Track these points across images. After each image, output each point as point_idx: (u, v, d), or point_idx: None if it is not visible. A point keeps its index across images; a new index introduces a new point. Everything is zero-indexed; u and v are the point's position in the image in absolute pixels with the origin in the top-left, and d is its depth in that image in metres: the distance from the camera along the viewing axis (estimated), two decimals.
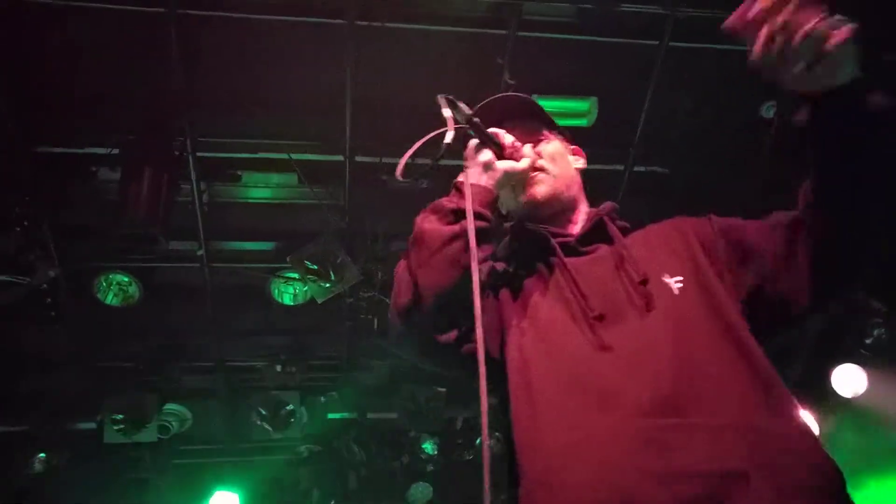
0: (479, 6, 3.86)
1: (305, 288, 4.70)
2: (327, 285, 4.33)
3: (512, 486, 1.35)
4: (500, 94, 1.72)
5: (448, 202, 1.48)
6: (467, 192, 1.44)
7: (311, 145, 4.38)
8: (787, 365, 4.62)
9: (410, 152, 1.45)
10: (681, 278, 1.40)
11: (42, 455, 5.08)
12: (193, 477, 5.73)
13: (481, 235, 1.40)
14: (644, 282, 1.39)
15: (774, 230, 1.40)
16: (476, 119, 1.50)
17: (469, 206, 1.40)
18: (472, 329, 1.29)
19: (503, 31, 3.87)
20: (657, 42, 3.99)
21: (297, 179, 4.49)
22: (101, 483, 5.30)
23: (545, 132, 1.72)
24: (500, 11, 3.84)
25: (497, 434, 1.66)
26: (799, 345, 4.98)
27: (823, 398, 5.11)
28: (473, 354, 1.27)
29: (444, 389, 5.39)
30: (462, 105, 1.48)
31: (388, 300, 5.05)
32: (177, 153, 4.12)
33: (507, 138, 1.57)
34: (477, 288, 1.30)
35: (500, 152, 1.54)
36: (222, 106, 4.12)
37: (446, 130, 1.44)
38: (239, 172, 4.50)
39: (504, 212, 1.69)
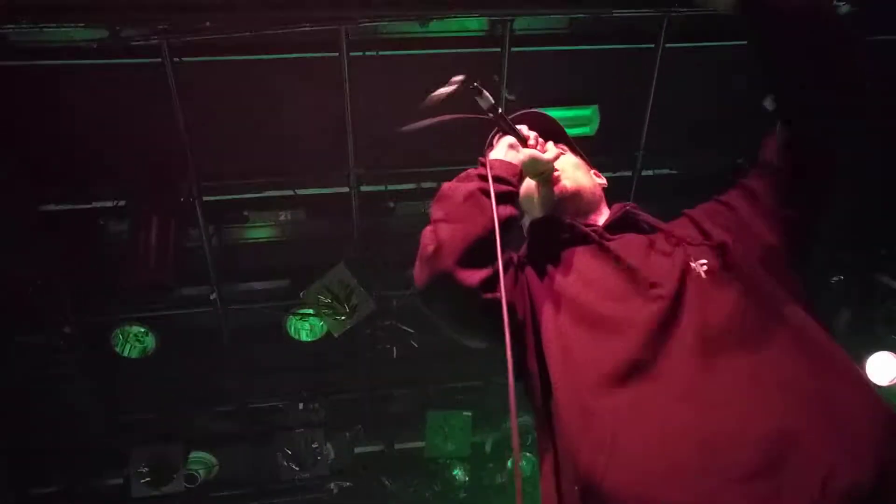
0: (472, 25, 3.85)
1: (321, 323, 4.66)
2: (343, 318, 4.29)
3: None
4: (523, 111, 1.72)
5: (474, 170, 1.51)
6: (489, 155, 1.53)
7: (315, 180, 4.37)
8: None
9: (442, 119, 1.55)
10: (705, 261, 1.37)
11: None
12: None
13: (506, 198, 1.45)
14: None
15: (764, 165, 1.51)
16: (500, 110, 1.54)
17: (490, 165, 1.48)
18: (497, 275, 1.31)
19: (497, 49, 3.86)
20: (653, 45, 3.97)
21: (305, 214, 4.48)
22: None
23: (565, 148, 1.75)
24: (494, 29, 3.83)
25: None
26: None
27: None
28: (497, 303, 1.27)
29: (469, 413, 5.31)
30: (487, 94, 1.50)
31: (405, 328, 4.98)
32: (183, 199, 4.13)
33: (531, 133, 1.60)
34: (498, 229, 1.36)
35: (524, 143, 1.57)
36: (225, 149, 4.11)
37: (478, 116, 1.53)
38: (246, 213, 4.50)
39: (525, 220, 1.69)
